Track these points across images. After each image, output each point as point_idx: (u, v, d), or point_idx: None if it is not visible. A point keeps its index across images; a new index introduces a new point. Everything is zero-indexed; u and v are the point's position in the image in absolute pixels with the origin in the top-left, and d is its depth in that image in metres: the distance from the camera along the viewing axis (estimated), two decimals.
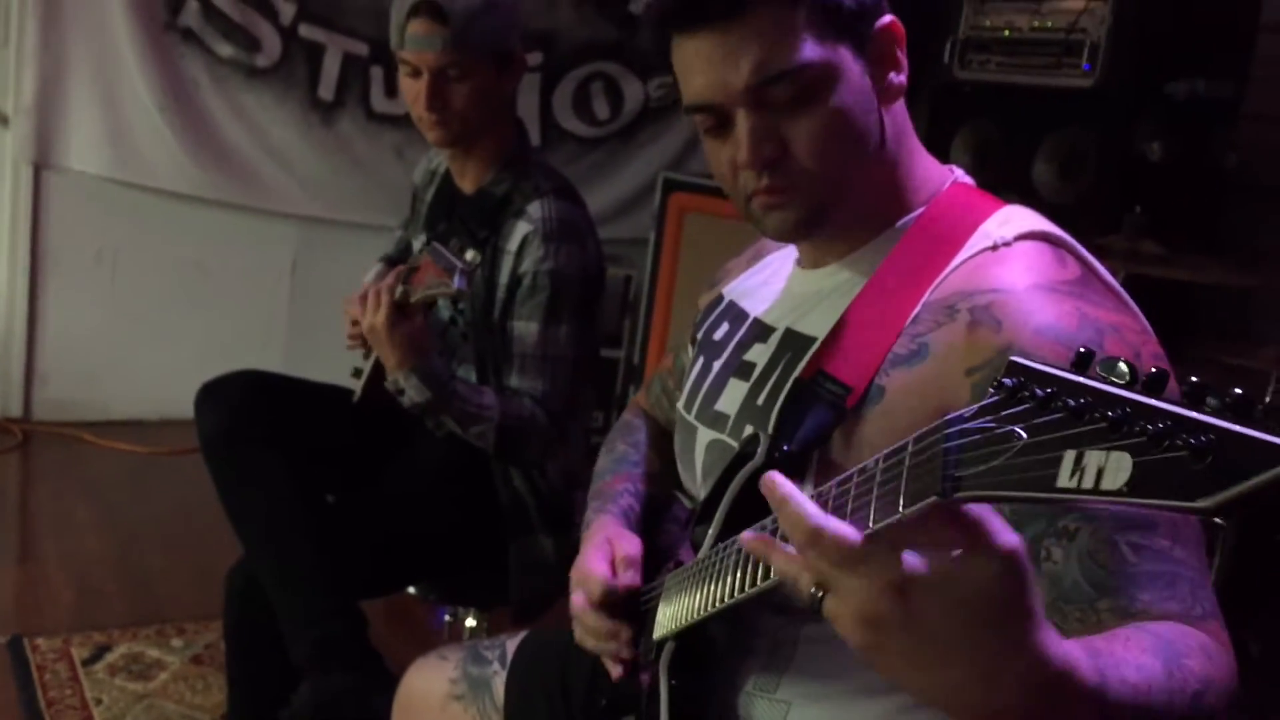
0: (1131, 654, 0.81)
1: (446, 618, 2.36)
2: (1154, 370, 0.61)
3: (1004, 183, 3.06)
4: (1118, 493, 0.59)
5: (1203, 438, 0.56)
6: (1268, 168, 3.10)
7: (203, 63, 3.83)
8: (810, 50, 1.05)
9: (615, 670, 1.21)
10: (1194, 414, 0.57)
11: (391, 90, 4.03)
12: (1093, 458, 0.60)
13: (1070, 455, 0.61)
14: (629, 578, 1.21)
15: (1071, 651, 0.74)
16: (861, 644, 0.74)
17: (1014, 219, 1.09)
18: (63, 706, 2.37)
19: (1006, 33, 3.06)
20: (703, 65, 1.07)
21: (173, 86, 3.79)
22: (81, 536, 3.18)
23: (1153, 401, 0.60)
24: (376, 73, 4.02)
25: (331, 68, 3.97)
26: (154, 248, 3.97)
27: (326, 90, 3.99)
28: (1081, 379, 0.64)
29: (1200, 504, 0.56)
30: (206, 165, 3.89)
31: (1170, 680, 0.81)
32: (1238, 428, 0.56)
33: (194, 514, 3.31)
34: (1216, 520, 0.60)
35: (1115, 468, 0.59)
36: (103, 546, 3.13)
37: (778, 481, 0.77)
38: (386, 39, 4.15)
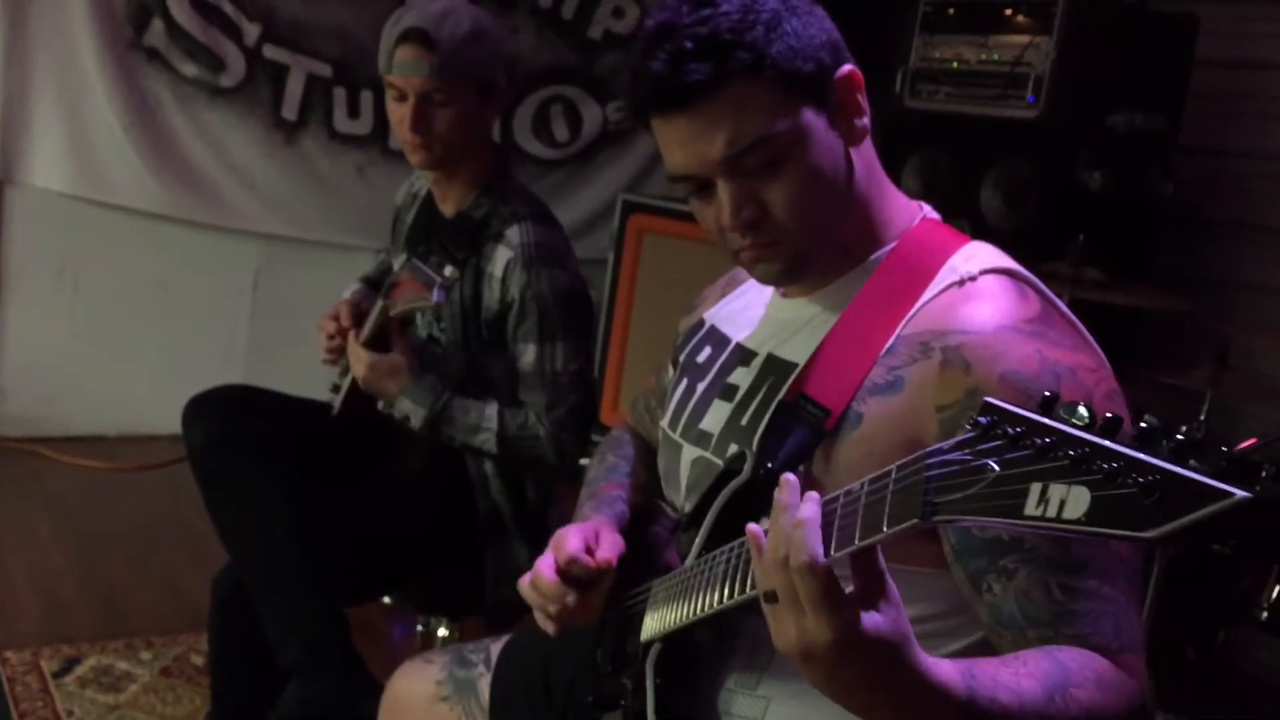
0: (1014, 679, 0.93)
1: (419, 628, 2.42)
2: (1109, 415, 0.71)
3: (952, 210, 3.15)
4: (1077, 521, 0.69)
5: (1151, 477, 0.66)
6: (1201, 197, 3.24)
7: (167, 81, 3.85)
8: (776, 120, 1.13)
9: (547, 628, 1.31)
10: (1143, 456, 0.67)
11: (354, 111, 4.09)
12: (1056, 490, 0.70)
13: (1037, 487, 0.71)
14: (605, 551, 1.29)
15: (947, 671, 0.89)
16: (793, 646, 0.88)
17: (978, 255, 1.19)
18: (35, 719, 2.39)
19: (955, 64, 3.18)
20: (680, 142, 1.16)
21: (137, 104, 3.81)
22: (46, 551, 3.19)
23: (1109, 444, 0.69)
24: (339, 93, 4.06)
25: (295, 88, 4.01)
26: (116, 265, 3.97)
27: (290, 110, 4.02)
28: (1048, 421, 0.73)
29: (1147, 534, 0.66)
30: (169, 183, 3.90)
31: (1049, 705, 0.93)
32: (1180, 470, 0.65)
33: (156, 529, 3.34)
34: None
35: (1075, 500, 0.69)
36: (67, 561, 3.14)
37: (787, 487, 0.90)
38: (349, 60, 4.17)
